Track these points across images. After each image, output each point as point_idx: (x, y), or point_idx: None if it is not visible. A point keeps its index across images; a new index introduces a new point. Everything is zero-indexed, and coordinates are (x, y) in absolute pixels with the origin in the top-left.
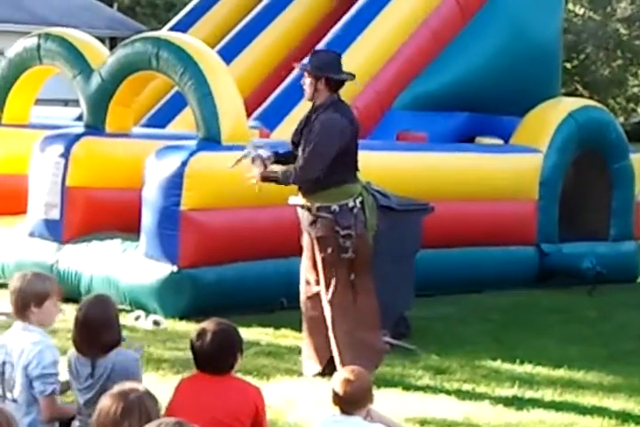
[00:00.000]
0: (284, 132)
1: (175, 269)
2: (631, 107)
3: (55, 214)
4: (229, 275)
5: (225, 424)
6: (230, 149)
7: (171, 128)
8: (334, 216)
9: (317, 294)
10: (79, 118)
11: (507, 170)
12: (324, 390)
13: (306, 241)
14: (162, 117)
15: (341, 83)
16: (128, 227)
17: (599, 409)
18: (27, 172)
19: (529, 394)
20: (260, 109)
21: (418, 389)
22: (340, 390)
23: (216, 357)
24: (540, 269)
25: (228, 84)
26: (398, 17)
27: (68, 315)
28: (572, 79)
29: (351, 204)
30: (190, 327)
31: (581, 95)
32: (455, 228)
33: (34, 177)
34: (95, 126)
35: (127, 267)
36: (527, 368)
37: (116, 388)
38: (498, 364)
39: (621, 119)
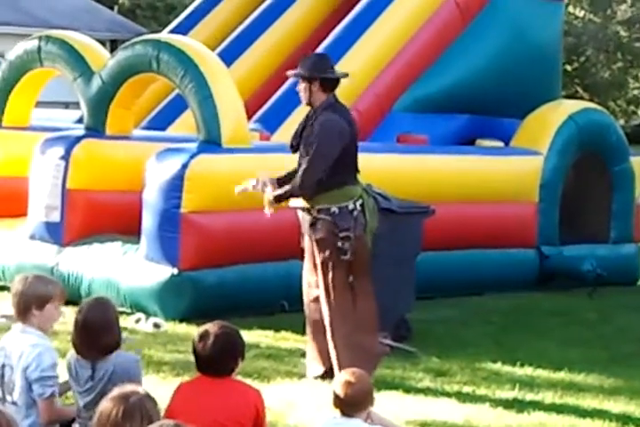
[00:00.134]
0: (285, 134)
1: (175, 271)
2: (631, 109)
3: (55, 217)
4: (230, 277)
5: None
6: (231, 151)
7: (171, 131)
8: (333, 218)
9: (312, 298)
10: (80, 121)
11: (507, 172)
12: (324, 393)
13: (307, 244)
14: (162, 120)
15: (336, 82)
16: (128, 229)
17: (600, 412)
18: (27, 174)
19: (529, 397)
20: (260, 112)
21: (418, 391)
22: (340, 393)
23: (217, 359)
24: (541, 272)
25: (228, 87)
26: (399, 19)
27: (68, 317)
28: (573, 82)
29: (351, 206)
30: (190, 330)
31: (582, 98)
32: (456, 230)
33: (34, 179)
34: (96, 129)
35: (127, 269)
36: (528, 371)
37: (117, 391)
38: (498, 366)
39: (622, 122)
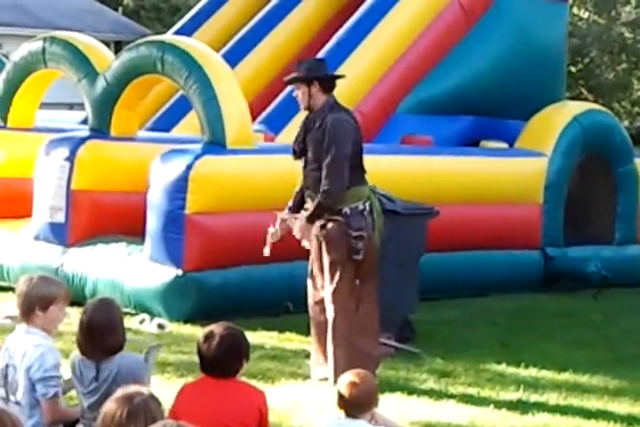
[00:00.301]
0: (289, 136)
1: (180, 272)
2: (636, 111)
3: (60, 218)
4: (234, 278)
5: None
6: (235, 152)
7: (176, 132)
8: (345, 219)
9: (318, 300)
10: (84, 122)
11: (512, 174)
12: (328, 394)
13: (313, 246)
14: (167, 121)
15: (334, 83)
16: (133, 230)
17: (604, 413)
18: (32, 175)
19: (534, 398)
20: (264, 113)
21: (422, 392)
22: (345, 393)
23: (222, 360)
24: (545, 273)
25: (232, 88)
26: (403, 21)
27: (72, 318)
28: (577, 83)
29: (361, 206)
30: (195, 331)
31: (586, 99)
32: (460, 231)
33: (39, 180)
34: (100, 130)
35: (132, 270)
36: (532, 372)
37: (121, 391)
38: (503, 368)
39: (626, 123)
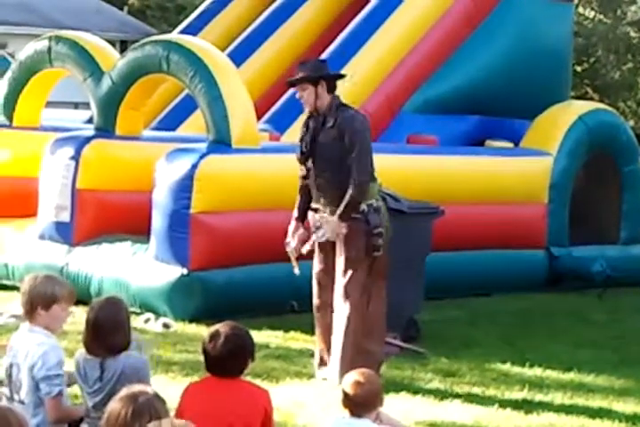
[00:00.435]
0: (294, 135)
1: (185, 271)
2: None
3: (65, 217)
4: (239, 278)
5: None
6: (240, 151)
7: (181, 131)
8: (364, 216)
9: (331, 299)
10: (89, 121)
11: (517, 173)
12: (333, 393)
13: (321, 245)
14: (172, 120)
15: (336, 82)
16: (138, 229)
17: (609, 413)
18: (37, 174)
19: (538, 397)
20: (269, 112)
21: (427, 392)
22: (350, 393)
23: (227, 360)
24: (550, 273)
25: (238, 87)
26: (408, 20)
27: (78, 317)
28: (582, 82)
29: (375, 204)
30: (200, 330)
31: (591, 98)
32: (465, 231)
33: (44, 179)
34: (106, 129)
35: (137, 269)
36: (537, 371)
37: (125, 391)
38: (507, 367)
39: (632, 122)
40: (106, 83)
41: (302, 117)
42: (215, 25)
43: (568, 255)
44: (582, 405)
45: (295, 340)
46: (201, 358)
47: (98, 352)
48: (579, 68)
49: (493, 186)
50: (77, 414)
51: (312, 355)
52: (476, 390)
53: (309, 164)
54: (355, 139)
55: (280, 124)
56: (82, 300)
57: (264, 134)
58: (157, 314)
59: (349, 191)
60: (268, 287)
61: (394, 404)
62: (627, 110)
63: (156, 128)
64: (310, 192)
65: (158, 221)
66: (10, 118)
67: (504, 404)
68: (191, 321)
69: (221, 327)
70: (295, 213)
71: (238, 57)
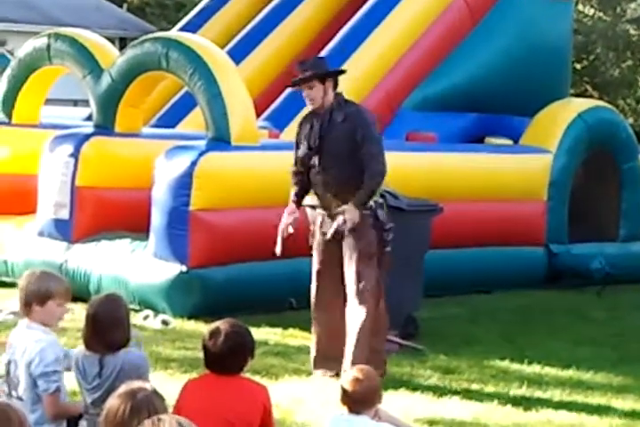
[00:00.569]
0: (293, 132)
1: (184, 268)
2: None
3: (64, 214)
4: (238, 275)
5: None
6: (240, 149)
7: (180, 128)
8: (373, 212)
9: (330, 298)
10: (89, 118)
11: (516, 170)
12: (332, 390)
13: (327, 243)
14: (171, 118)
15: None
16: (137, 227)
17: (608, 410)
18: (36, 171)
19: (537, 394)
20: (269, 110)
21: (426, 389)
22: (348, 390)
23: (226, 357)
24: (549, 270)
25: (237, 85)
26: (408, 18)
27: (76, 314)
28: (582, 80)
29: (380, 200)
30: (199, 327)
31: (591, 96)
32: (464, 228)
33: (43, 177)
34: (105, 126)
35: (136, 267)
36: (536, 369)
37: (124, 387)
38: (506, 364)
39: (631, 120)
40: (105, 80)
41: (301, 115)
42: (214, 22)
43: (567, 253)
44: (581, 402)
45: (294, 337)
46: (200, 354)
47: (97, 348)
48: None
49: (493, 183)
50: (76, 411)
51: (310, 352)
52: (475, 387)
53: (315, 160)
54: (367, 132)
55: (279, 121)
56: (81, 297)
57: (263, 132)
58: (156, 311)
59: (367, 181)
60: (267, 284)
61: (393, 401)
62: (626, 108)
63: (156, 125)
64: (306, 184)
65: (157, 219)
66: (9, 116)
67: (503, 401)
68: (190, 318)
69: (222, 324)
70: (293, 197)
71: (238, 54)
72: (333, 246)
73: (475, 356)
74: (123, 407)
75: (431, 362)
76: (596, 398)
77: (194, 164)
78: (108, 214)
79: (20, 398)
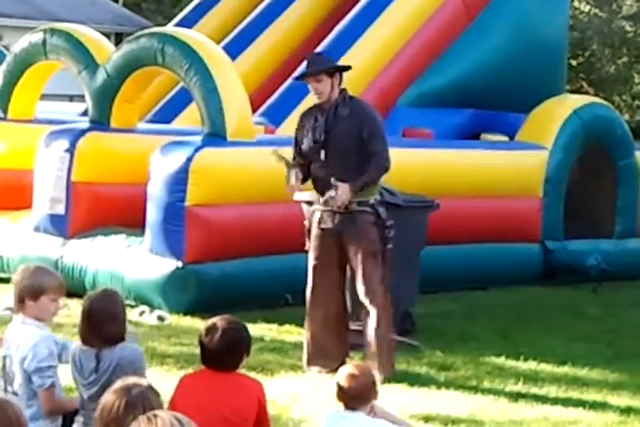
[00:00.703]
0: (289, 128)
1: (180, 264)
2: (636, 104)
3: (60, 209)
4: (234, 271)
5: (232, 422)
6: (235, 144)
7: (176, 124)
8: (374, 209)
9: (326, 294)
10: (84, 114)
11: (512, 167)
12: (327, 386)
13: (324, 239)
14: (167, 113)
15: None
16: (133, 222)
17: (603, 406)
18: (32, 167)
19: (533, 391)
20: (265, 105)
21: (422, 385)
22: (344, 386)
23: (222, 354)
24: (545, 267)
25: (233, 80)
26: (404, 14)
27: (72, 310)
28: (578, 76)
29: (378, 197)
30: (195, 323)
31: (587, 92)
32: (460, 225)
33: (39, 172)
34: (100, 122)
35: (132, 262)
36: (531, 365)
37: (119, 383)
38: (502, 360)
39: (626, 116)
40: (101, 75)
41: (297, 111)
42: (210, 18)
43: (563, 249)
44: (576, 398)
45: (290, 333)
46: (196, 350)
47: (93, 343)
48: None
49: (489, 179)
50: (72, 406)
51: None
52: (471, 383)
53: (319, 154)
54: (373, 129)
55: (275, 117)
56: (76, 292)
57: (259, 127)
58: (152, 307)
59: (370, 171)
60: (263, 280)
61: (388, 397)
62: (622, 104)
63: (151, 121)
64: (306, 176)
65: (153, 214)
66: (4, 111)
67: (498, 397)
68: (186, 314)
69: (218, 321)
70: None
71: (234, 50)
72: (331, 242)
73: (470, 352)
74: (118, 403)
75: (427, 358)
76: (591, 395)
77: (189, 159)
78: (104, 210)
79: (15, 394)
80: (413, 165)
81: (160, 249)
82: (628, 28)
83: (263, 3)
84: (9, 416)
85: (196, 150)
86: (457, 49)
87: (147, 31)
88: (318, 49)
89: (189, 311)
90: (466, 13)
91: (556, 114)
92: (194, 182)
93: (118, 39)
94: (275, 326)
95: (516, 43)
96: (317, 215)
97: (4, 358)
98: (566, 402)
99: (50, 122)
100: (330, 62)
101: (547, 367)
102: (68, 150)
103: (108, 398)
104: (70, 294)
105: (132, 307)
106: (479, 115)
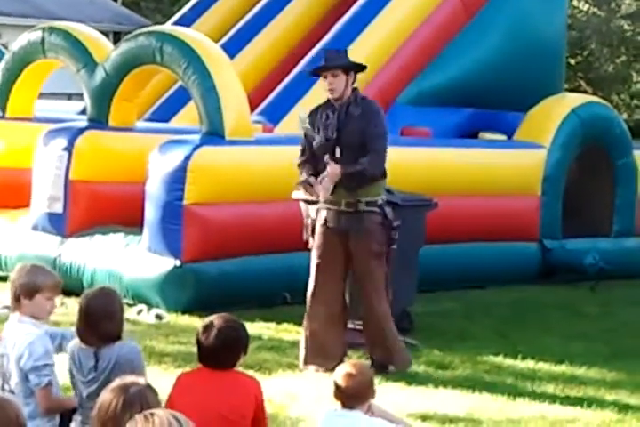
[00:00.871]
0: (287, 127)
1: (178, 263)
2: (635, 103)
3: (58, 208)
4: (232, 269)
5: (230, 420)
6: (234, 143)
7: (174, 122)
8: (381, 210)
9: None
10: (83, 112)
11: (510, 166)
12: (325, 385)
13: (329, 238)
14: (165, 112)
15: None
16: (131, 221)
17: (601, 404)
18: (30, 165)
19: (531, 389)
20: (263, 104)
21: (420, 384)
22: (341, 385)
23: (219, 352)
24: (543, 265)
25: (231, 79)
26: (402, 12)
27: (70, 308)
28: (576, 75)
29: (385, 198)
30: (193, 322)
31: (585, 91)
32: (458, 223)
33: (37, 170)
34: (99, 120)
35: (130, 261)
36: (529, 364)
37: (117, 381)
38: (500, 359)
39: (625, 115)
40: (99, 74)
41: (295, 109)
42: (209, 16)
43: (561, 248)
44: (574, 397)
45: (288, 332)
46: (193, 349)
47: (91, 341)
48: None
49: (487, 178)
50: (69, 405)
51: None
52: (469, 382)
53: (331, 152)
54: (377, 130)
55: (273, 115)
56: (74, 291)
57: (257, 126)
58: (150, 305)
59: (365, 163)
60: (261, 279)
61: (386, 396)
62: (620, 103)
63: (150, 119)
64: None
65: (151, 213)
66: (3, 109)
67: (496, 396)
68: (184, 313)
69: (216, 319)
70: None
71: (232, 48)
72: (336, 241)
73: (468, 351)
74: (115, 402)
75: (425, 357)
76: (589, 393)
77: (188, 158)
78: (102, 208)
79: (12, 392)
80: (412, 163)
81: (158, 248)
82: (626, 27)
83: (261, 2)
84: (8, 415)
85: (195, 149)
86: (455, 48)
87: (145, 30)
88: (317, 47)
89: (187, 310)
90: (464, 12)
91: (554, 113)
92: (192, 181)
93: (117, 38)
94: (273, 325)
95: (515, 42)
96: (323, 214)
97: (1, 356)
98: (564, 400)
99: (48, 120)
100: (347, 59)
101: (544, 366)
102: (66, 149)
103: (106, 396)
104: (68, 293)
105: (130, 306)
106: (477, 113)
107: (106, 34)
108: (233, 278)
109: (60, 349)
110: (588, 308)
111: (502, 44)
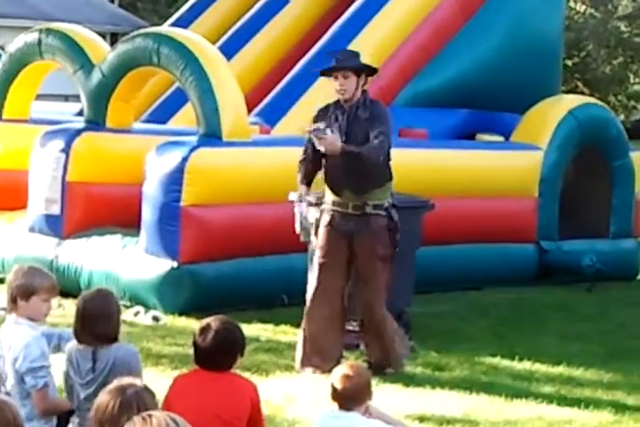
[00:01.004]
0: (285, 128)
1: (175, 264)
2: (632, 104)
3: (55, 210)
4: (229, 271)
5: (226, 422)
6: (231, 144)
7: (171, 124)
8: (388, 213)
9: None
10: (80, 114)
11: (507, 167)
12: (322, 387)
13: (335, 239)
14: (163, 113)
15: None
16: (128, 222)
17: (597, 405)
18: (27, 167)
19: (528, 390)
20: (260, 105)
21: (417, 385)
22: (338, 386)
23: (215, 354)
24: (540, 267)
25: (228, 80)
26: (399, 14)
27: (67, 310)
28: (573, 77)
29: (390, 201)
30: (190, 323)
31: (582, 93)
32: (455, 225)
33: (34, 172)
34: (96, 122)
35: (127, 262)
36: (526, 365)
37: (114, 383)
38: (497, 360)
39: (622, 117)
40: (96, 75)
41: (293, 111)
42: (206, 18)
43: (558, 249)
44: (571, 398)
45: (285, 333)
46: (190, 351)
47: (88, 341)
48: (569, 63)
49: (483, 180)
50: (66, 406)
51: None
52: (466, 383)
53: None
54: (382, 130)
55: (271, 117)
56: (72, 293)
57: (255, 127)
58: (147, 307)
59: (368, 147)
60: (259, 281)
61: (383, 397)
62: (617, 104)
63: (147, 121)
64: (313, 174)
65: (148, 214)
66: (0, 111)
67: (493, 397)
68: (181, 314)
69: (212, 321)
70: (303, 181)
71: (229, 50)
72: (341, 243)
73: (465, 352)
74: (112, 403)
75: (422, 358)
76: (585, 394)
77: (185, 159)
78: (99, 210)
79: (8, 394)
80: (408, 165)
81: (155, 249)
82: (623, 28)
83: (259, 3)
84: (6, 416)
85: (192, 150)
86: (452, 49)
87: (142, 31)
88: (314, 49)
89: (184, 312)
90: (461, 14)
91: (551, 114)
92: (189, 182)
93: (114, 39)
94: (270, 327)
95: (512, 43)
96: (328, 216)
97: None
98: (561, 401)
99: (45, 122)
100: (359, 60)
101: (541, 367)
102: (63, 150)
103: (103, 398)
104: (65, 295)
105: (127, 307)
106: (474, 115)
107: (103, 35)
108: (230, 280)
109: (57, 349)
110: (585, 309)
111: (499, 45)
